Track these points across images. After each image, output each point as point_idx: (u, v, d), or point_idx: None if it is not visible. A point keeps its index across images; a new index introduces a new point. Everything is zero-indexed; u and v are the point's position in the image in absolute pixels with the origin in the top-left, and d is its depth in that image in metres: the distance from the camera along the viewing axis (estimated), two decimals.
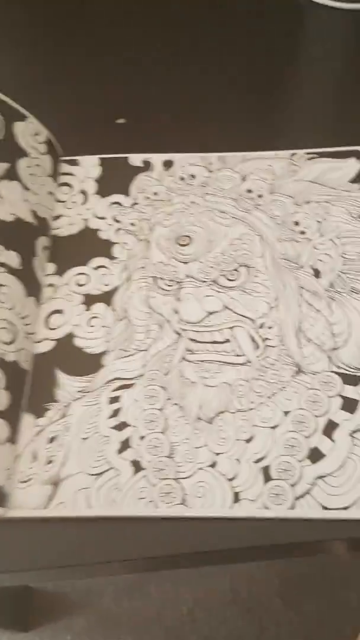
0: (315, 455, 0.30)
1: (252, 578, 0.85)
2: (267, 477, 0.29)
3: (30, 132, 0.39)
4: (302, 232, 0.38)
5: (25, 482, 0.30)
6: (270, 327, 0.34)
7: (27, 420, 0.32)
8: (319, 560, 0.87)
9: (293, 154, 0.42)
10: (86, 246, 0.39)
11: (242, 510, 0.29)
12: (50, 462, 0.31)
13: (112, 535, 0.29)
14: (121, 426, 0.32)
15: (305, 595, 0.85)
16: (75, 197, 0.41)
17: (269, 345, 0.34)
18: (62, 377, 0.33)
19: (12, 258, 0.35)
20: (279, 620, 0.83)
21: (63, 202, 0.41)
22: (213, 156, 0.42)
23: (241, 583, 0.85)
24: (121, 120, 0.45)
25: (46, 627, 0.84)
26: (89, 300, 0.36)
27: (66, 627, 0.83)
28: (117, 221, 0.40)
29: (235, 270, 0.37)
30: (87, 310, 0.36)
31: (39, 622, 0.84)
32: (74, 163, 0.43)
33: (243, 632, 0.82)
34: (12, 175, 0.37)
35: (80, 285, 0.37)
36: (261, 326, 0.34)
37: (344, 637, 0.82)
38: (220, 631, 0.82)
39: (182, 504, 0.29)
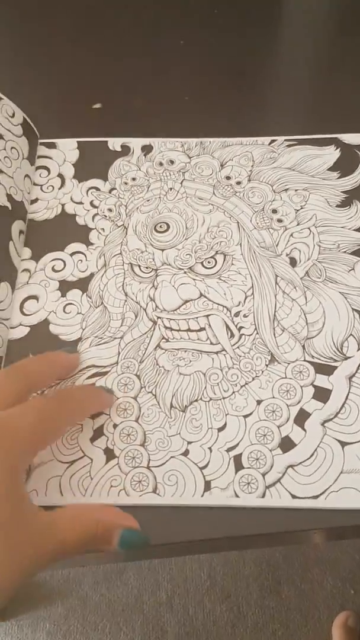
0: (287, 444, 0.30)
1: (229, 564, 0.86)
2: (239, 466, 0.29)
3: (5, 114, 0.38)
4: (280, 220, 0.38)
5: None
6: (245, 316, 0.34)
7: None
8: (295, 545, 0.88)
9: (272, 141, 0.42)
10: (62, 231, 0.38)
11: (213, 499, 0.29)
12: None
13: None
14: (95, 414, 0.31)
15: (283, 581, 0.86)
16: (53, 180, 0.41)
17: (244, 334, 0.34)
18: None
19: None
20: (256, 605, 0.84)
21: (40, 185, 0.40)
22: (192, 141, 0.42)
23: (218, 570, 0.86)
24: (97, 105, 0.44)
25: (26, 615, 0.84)
26: (65, 286, 0.36)
27: (45, 615, 0.83)
28: (95, 206, 0.39)
29: (212, 257, 0.37)
30: (63, 296, 0.36)
31: (18, 611, 0.84)
32: (51, 146, 0.42)
33: (221, 618, 0.83)
34: None
35: (56, 271, 0.37)
36: (237, 314, 0.34)
37: (321, 621, 0.83)
38: (198, 617, 0.83)
39: (153, 492, 0.29)
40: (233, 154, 0.41)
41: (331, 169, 0.40)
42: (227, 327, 0.34)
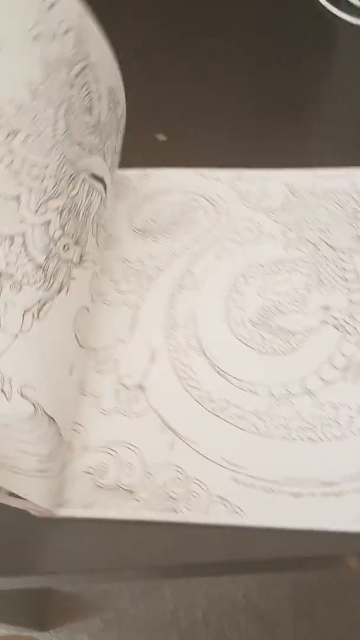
0: None
1: (265, 585, 0.86)
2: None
3: None
4: None
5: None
6: None
7: None
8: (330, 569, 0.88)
9: None
10: None
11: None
12: None
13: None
14: None
15: (317, 603, 0.85)
16: None
17: None
18: None
19: None
20: (290, 627, 0.84)
21: None
22: None
23: (254, 589, 0.86)
24: (162, 137, 0.47)
25: (64, 627, 0.85)
26: None
27: (83, 628, 0.85)
28: None
29: None
30: None
31: (57, 622, 0.86)
32: None
33: (254, 638, 0.83)
34: None
35: None
36: None
37: None
38: (233, 636, 0.83)
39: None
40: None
41: None
42: None
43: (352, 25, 0.55)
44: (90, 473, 0.32)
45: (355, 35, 0.55)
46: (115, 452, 0.33)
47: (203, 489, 0.31)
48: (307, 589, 0.86)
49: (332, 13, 0.56)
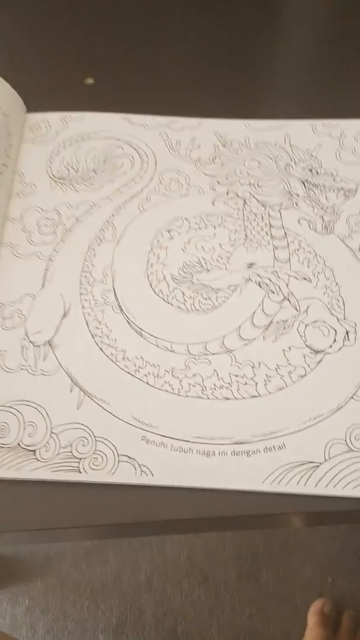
0: None
1: (209, 547, 0.87)
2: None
3: None
4: None
5: None
6: None
7: None
8: (275, 531, 0.89)
9: None
10: None
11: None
12: None
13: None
14: None
15: (261, 566, 0.87)
16: None
17: None
18: None
19: None
20: (234, 589, 0.85)
21: None
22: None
23: (198, 552, 0.87)
24: (90, 81, 0.44)
25: (5, 590, 0.85)
26: None
27: (24, 591, 0.84)
28: None
29: None
30: None
31: None
32: None
33: (198, 600, 0.84)
34: None
35: None
36: None
37: (298, 607, 0.84)
38: (176, 599, 0.84)
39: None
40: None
41: None
42: None
43: None
44: None
45: None
46: (18, 411, 0.31)
47: (110, 448, 0.30)
48: (251, 552, 0.88)
49: None
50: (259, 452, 0.30)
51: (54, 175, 0.39)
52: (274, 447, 0.30)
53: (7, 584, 0.85)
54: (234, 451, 0.30)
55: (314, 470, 0.29)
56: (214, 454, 0.30)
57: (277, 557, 0.87)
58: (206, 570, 0.86)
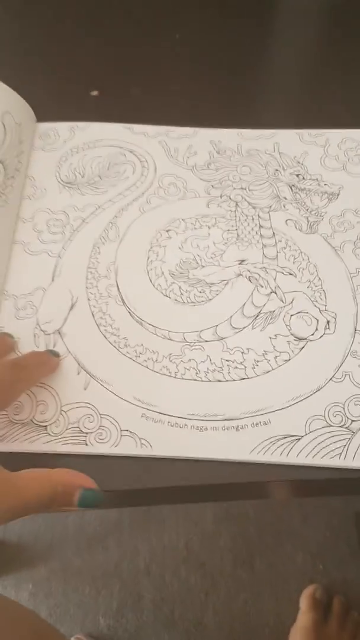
0: None
1: (206, 536, 0.91)
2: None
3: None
4: None
5: None
6: None
7: None
8: (269, 520, 0.92)
9: None
10: None
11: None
12: None
13: None
14: None
15: (256, 554, 0.90)
16: None
17: None
18: None
19: None
20: (229, 576, 0.89)
21: None
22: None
23: (195, 541, 0.90)
24: (95, 93, 0.48)
25: (10, 576, 0.88)
26: None
27: (29, 577, 0.88)
28: None
29: None
30: None
31: (3, 572, 0.88)
32: None
33: (195, 586, 0.88)
34: None
35: None
36: None
37: (290, 593, 0.88)
38: (173, 585, 0.87)
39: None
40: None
41: None
42: None
43: None
44: (4, 411, 0.34)
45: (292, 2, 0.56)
46: (31, 391, 0.34)
47: (113, 424, 0.33)
48: (246, 540, 0.91)
49: None
50: (247, 427, 0.33)
51: (62, 180, 0.42)
52: (260, 422, 0.33)
53: (12, 569, 0.88)
54: (224, 426, 0.33)
55: (295, 443, 0.33)
56: (207, 429, 0.33)
57: (271, 545, 0.91)
58: (203, 557, 0.89)
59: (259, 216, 0.42)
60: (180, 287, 0.39)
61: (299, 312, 0.37)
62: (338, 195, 0.42)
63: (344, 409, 0.34)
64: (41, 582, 0.87)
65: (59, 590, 0.86)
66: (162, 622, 0.84)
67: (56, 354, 0.35)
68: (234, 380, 0.35)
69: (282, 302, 0.38)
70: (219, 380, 0.35)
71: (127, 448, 0.33)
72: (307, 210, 0.42)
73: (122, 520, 0.91)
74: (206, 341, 0.36)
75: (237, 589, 0.87)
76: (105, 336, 0.37)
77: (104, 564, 0.88)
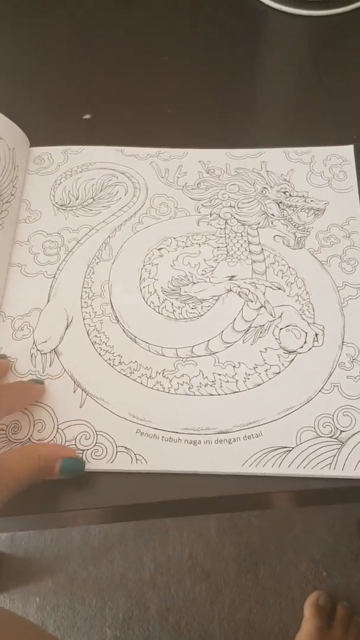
0: None
1: (210, 546, 0.91)
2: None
3: None
4: None
5: None
6: None
7: None
8: (272, 529, 0.93)
9: None
10: None
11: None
12: None
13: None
14: None
15: (259, 563, 0.91)
16: None
17: None
18: None
19: None
20: (234, 585, 0.89)
21: None
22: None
23: (199, 551, 0.91)
24: (87, 116, 0.49)
25: (17, 589, 0.89)
26: None
27: (35, 590, 0.88)
28: None
29: None
30: None
31: (10, 585, 0.89)
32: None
33: (200, 595, 0.88)
34: None
35: None
36: None
37: (294, 600, 0.88)
38: (179, 595, 0.88)
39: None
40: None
41: None
42: None
43: (283, 13, 0.57)
44: (2, 430, 0.35)
45: (283, 21, 0.57)
46: (29, 411, 0.35)
47: (109, 441, 0.34)
48: (249, 550, 0.92)
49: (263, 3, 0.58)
50: (239, 440, 0.34)
51: (56, 203, 0.44)
52: (252, 435, 0.34)
53: (19, 583, 0.89)
54: (217, 439, 0.34)
55: (287, 454, 0.34)
56: (200, 442, 0.34)
57: (274, 553, 0.91)
58: (207, 567, 0.90)
59: (247, 233, 0.43)
60: (172, 304, 0.40)
61: (288, 326, 0.38)
62: (324, 211, 0.44)
63: (333, 419, 0.35)
64: (48, 595, 0.88)
65: (66, 603, 0.87)
66: (168, 632, 0.85)
67: (40, 382, 0.36)
68: (226, 394, 0.36)
69: (272, 316, 0.39)
70: (212, 395, 0.36)
71: (123, 464, 0.34)
72: (295, 226, 0.43)
73: (126, 532, 0.92)
74: (198, 356, 0.38)
75: (241, 598, 0.88)
76: (100, 354, 0.38)
77: (110, 575, 0.89)
